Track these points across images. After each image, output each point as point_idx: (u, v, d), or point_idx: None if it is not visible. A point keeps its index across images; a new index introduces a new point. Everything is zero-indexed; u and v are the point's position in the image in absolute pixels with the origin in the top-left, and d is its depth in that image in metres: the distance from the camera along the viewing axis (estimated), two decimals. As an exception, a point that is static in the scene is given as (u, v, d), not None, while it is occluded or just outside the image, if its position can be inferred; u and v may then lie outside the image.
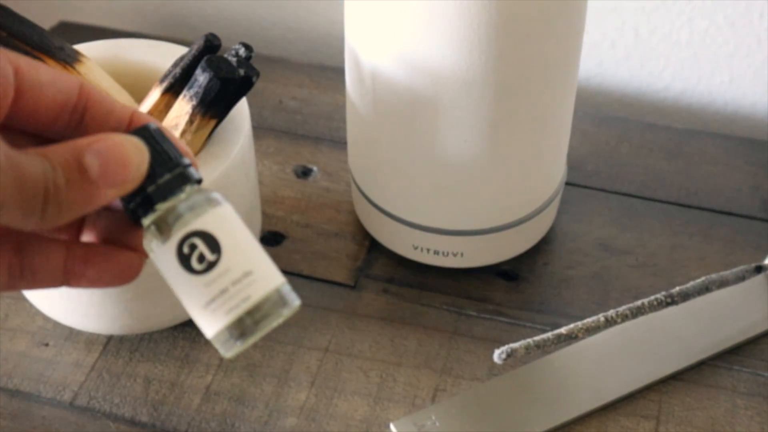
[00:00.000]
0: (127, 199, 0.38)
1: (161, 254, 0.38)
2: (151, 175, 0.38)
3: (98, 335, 0.59)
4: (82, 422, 0.55)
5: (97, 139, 0.36)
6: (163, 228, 0.38)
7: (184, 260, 0.38)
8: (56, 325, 0.59)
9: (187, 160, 0.39)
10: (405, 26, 0.51)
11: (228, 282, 0.37)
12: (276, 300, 0.38)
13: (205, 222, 0.38)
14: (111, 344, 0.59)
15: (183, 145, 0.39)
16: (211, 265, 0.37)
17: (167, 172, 0.38)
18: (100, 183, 0.36)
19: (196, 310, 0.39)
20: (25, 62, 0.36)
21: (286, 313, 0.38)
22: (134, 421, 0.55)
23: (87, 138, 0.36)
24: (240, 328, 0.38)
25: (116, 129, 0.39)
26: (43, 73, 0.37)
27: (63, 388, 0.57)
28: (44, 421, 0.56)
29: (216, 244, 0.38)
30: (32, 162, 0.35)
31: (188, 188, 0.39)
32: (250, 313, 0.38)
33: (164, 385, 0.57)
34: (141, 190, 0.38)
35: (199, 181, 0.39)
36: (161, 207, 0.38)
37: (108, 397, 0.57)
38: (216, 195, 0.39)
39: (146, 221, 0.39)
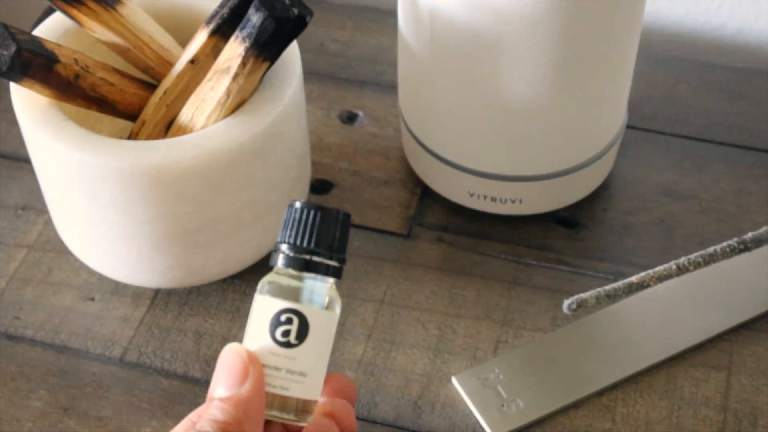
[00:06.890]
0: (296, 247, 0.42)
1: (264, 302, 0.42)
2: (327, 247, 0.42)
3: (145, 289, 0.57)
4: (134, 379, 0.54)
5: None
6: (285, 289, 0.42)
7: (274, 323, 0.42)
8: (102, 278, 0.57)
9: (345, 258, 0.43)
10: (469, -40, 0.49)
11: (285, 366, 0.42)
12: (298, 408, 0.42)
13: (316, 315, 0.42)
14: (159, 298, 0.57)
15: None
16: (287, 345, 0.42)
17: (339, 254, 0.43)
18: None
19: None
20: None
21: (293, 419, 0.42)
22: (187, 376, 0.54)
23: None
24: None
25: None
26: None
27: (112, 344, 0.55)
28: (94, 377, 0.54)
29: (305, 335, 0.42)
30: None
31: (333, 281, 0.43)
32: (276, 397, 0.42)
33: (216, 340, 0.55)
34: (310, 252, 0.42)
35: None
36: (307, 275, 0.42)
37: (158, 352, 0.55)
38: (339, 302, 0.43)
39: (287, 271, 0.42)
